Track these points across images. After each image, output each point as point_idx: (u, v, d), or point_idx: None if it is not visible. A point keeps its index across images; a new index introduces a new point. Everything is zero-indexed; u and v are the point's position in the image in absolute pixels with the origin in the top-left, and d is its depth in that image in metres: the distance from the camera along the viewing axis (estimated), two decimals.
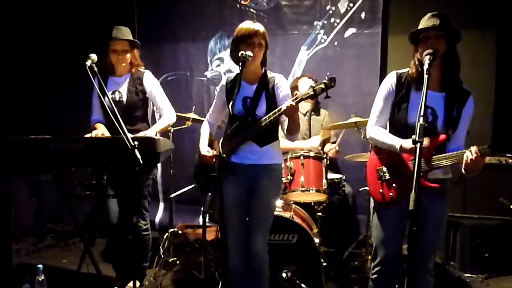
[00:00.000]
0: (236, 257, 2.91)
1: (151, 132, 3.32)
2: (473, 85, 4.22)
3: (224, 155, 2.75)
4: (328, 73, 2.54)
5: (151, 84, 3.48)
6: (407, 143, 2.45)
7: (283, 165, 3.08)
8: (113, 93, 3.39)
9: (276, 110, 2.68)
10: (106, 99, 3.08)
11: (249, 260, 2.89)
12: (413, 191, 1.93)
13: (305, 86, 4.19)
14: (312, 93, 2.52)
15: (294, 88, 4.12)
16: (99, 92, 2.92)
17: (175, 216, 4.71)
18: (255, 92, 2.85)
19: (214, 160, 2.83)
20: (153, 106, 3.58)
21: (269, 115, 2.72)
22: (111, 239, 3.56)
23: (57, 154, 2.76)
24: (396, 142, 2.53)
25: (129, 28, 3.49)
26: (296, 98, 2.57)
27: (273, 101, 2.84)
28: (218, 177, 2.44)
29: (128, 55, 3.42)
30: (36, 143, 2.79)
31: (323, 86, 2.49)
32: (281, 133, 2.93)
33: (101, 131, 3.31)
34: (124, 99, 3.41)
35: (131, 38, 3.44)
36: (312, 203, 3.91)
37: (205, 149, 2.91)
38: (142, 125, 3.44)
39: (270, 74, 2.91)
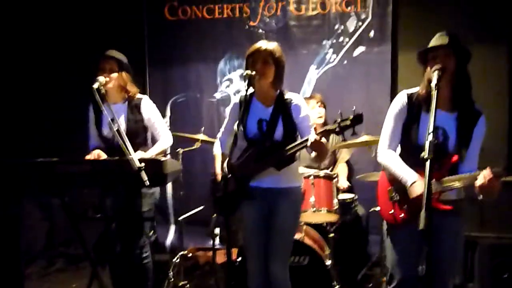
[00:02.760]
0: (256, 281, 2.87)
1: (147, 155, 3.27)
2: (486, 103, 4.15)
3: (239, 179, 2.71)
4: (354, 108, 2.44)
5: (149, 111, 3.41)
6: (418, 186, 2.36)
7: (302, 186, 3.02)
8: (111, 122, 3.02)
9: (301, 141, 2.63)
10: (106, 128, 3.04)
11: (270, 285, 2.83)
12: (423, 209, 1.86)
13: (312, 111, 4.16)
14: (337, 129, 2.44)
15: None
16: (95, 122, 2.88)
17: (187, 238, 4.66)
18: (271, 115, 2.80)
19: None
20: None
21: (293, 145, 2.66)
22: (112, 265, 3.49)
23: (63, 176, 2.75)
24: (408, 177, 2.44)
25: (139, 50, 3.47)
26: (321, 133, 2.51)
27: (291, 123, 2.79)
28: (224, 199, 2.40)
29: (115, 75, 3.30)
30: (43, 166, 2.79)
31: (348, 123, 2.41)
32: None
33: (96, 152, 3.24)
34: (124, 128, 3.25)
35: (120, 57, 3.35)
36: (324, 224, 3.84)
37: (220, 170, 2.87)
38: (143, 150, 3.38)
39: (286, 95, 2.85)
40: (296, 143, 2.66)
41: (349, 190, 4.21)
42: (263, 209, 2.85)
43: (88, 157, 3.22)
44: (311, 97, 4.35)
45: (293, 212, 2.90)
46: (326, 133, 2.51)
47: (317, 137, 2.49)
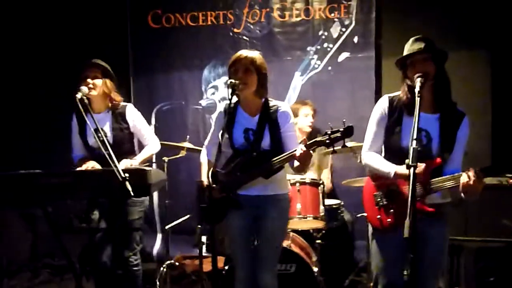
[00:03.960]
0: None
1: (135, 162, 3.26)
2: (469, 106, 4.18)
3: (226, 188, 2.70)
4: (344, 120, 2.46)
5: (134, 118, 3.39)
6: (401, 170, 2.40)
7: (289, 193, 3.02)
8: (96, 131, 2.97)
9: (289, 153, 2.62)
10: (91, 138, 3.02)
11: None
12: (407, 218, 1.87)
13: (305, 119, 4.16)
14: (328, 142, 2.45)
15: (294, 115, 4.08)
16: (80, 132, 2.85)
17: (174, 247, 4.64)
18: (258, 124, 2.79)
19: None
20: None
21: (280, 158, 2.65)
22: (100, 275, 3.45)
23: (46, 188, 2.70)
24: (390, 169, 2.49)
25: (123, 58, 3.46)
26: (310, 145, 2.50)
27: (277, 131, 2.78)
28: (210, 207, 2.39)
29: (100, 82, 3.27)
30: (25, 178, 2.74)
31: (339, 135, 2.42)
32: None
33: (91, 164, 3.23)
34: (110, 137, 3.27)
35: (104, 65, 3.33)
36: (311, 231, 3.84)
37: (206, 178, 2.85)
38: (131, 158, 3.37)
39: (272, 103, 2.84)
40: (284, 155, 2.65)
41: (332, 194, 4.22)
42: (251, 217, 2.84)
43: (82, 168, 3.19)
44: (304, 103, 4.32)
45: (282, 219, 2.89)
46: (315, 145, 2.51)
47: (305, 149, 2.49)
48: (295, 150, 2.55)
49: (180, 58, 5.14)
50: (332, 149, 2.52)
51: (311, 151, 2.52)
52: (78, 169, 3.18)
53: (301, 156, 2.51)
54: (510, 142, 4.43)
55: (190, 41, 5.11)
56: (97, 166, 3.19)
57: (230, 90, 2.59)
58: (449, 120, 2.49)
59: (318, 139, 2.49)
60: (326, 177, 4.34)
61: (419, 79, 2.34)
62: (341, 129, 2.42)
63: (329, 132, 2.45)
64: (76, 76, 3.28)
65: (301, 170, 2.75)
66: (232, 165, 2.80)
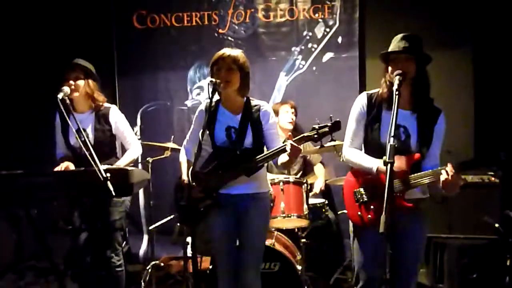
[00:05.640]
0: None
1: (114, 166, 3.23)
2: (452, 103, 4.26)
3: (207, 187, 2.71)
4: (331, 115, 2.51)
5: (117, 120, 3.38)
6: (383, 165, 2.42)
7: (271, 191, 3.01)
8: (78, 132, 3.01)
9: (277, 148, 2.62)
10: (73, 138, 3.01)
11: None
12: (383, 213, 1.89)
13: (285, 115, 4.20)
14: (316, 136, 2.47)
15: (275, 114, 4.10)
16: (62, 131, 2.84)
17: (161, 248, 4.63)
18: (240, 123, 2.79)
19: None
20: None
21: (266, 154, 2.66)
22: (83, 276, 3.44)
23: (27, 189, 2.69)
24: (373, 164, 2.51)
25: (108, 59, 3.44)
26: (298, 140, 2.51)
27: (259, 130, 2.79)
28: (188, 207, 2.40)
29: (82, 83, 3.27)
30: (6, 178, 2.72)
31: (327, 130, 2.44)
32: None
33: (65, 165, 3.20)
34: (92, 138, 3.27)
35: (86, 65, 3.32)
36: (296, 229, 3.85)
37: (186, 177, 2.83)
38: (111, 160, 3.35)
39: (253, 102, 2.86)
40: (271, 151, 2.65)
41: (324, 192, 4.25)
42: (232, 216, 2.84)
43: (57, 169, 3.17)
44: (284, 102, 4.39)
45: (263, 217, 2.90)
46: (303, 140, 2.52)
47: (295, 144, 2.49)
48: (284, 145, 2.55)
49: (165, 59, 5.13)
50: (320, 145, 2.53)
51: (300, 147, 2.53)
52: (55, 169, 3.16)
53: (291, 150, 2.51)
54: (492, 138, 4.48)
55: (175, 42, 5.11)
56: (72, 167, 3.18)
57: (211, 89, 2.59)
58: (426, 117, 2.53)
59: (306, 134, 2.51)
60: (319, 173, 4.37)
61: (397, 77, 2.36)
62: (329, 124, 2.45)
63: (316, 127, 2.47)
64: (59, 76, 3.27)
65: (286, 167, 2.75)
66: (214, 163, 2.80)
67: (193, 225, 2.60)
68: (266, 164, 2.90)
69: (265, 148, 2.79)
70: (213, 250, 2.95)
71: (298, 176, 4.20)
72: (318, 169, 4.44)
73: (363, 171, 2.60)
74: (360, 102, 2.63)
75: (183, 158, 3.00)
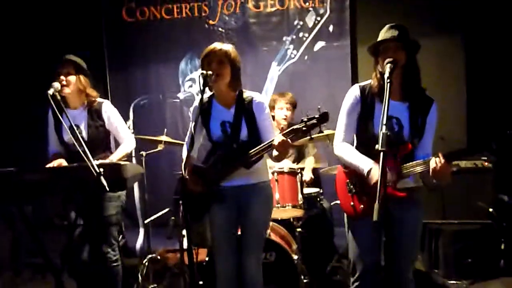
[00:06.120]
0: (226, 282, 2.86)
1: (107, 161, 3.22)
2: (444, 91, 4.26)
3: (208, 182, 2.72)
4: (319, 107, 2.50)
5: (110, 115, 3.36)
6: (375, 171, 2.39)
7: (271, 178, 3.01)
8: (71, 128, 3.01)
9: (266, 144, 2.62)
10: (66, 135, 3.00)
11: (242, 282, 2.83)
12: (377, 201, 1.90)
13: (279, 112, 4.14)
14: (304, 129, 2.46)
15: (271, 108, 4.07)
16: (55, 127, 2.82)
17: (157, 241, 4.63)
18: (234, 116, 2.79)
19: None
20: None
21: (257, 149, 2.65)
22: (80, 272, 3.44)
23: (20, 186, 2.68)
24: (364, 166, 2.47)
25: (98, 54, 3.42)
26: (287, 133, 2.51)
27: (254, 122, 2.78)
28: (181, 200, 2.40)
29: (73, 78, 3.24)
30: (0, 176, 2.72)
31: (315, 122, 2.43)
32: None
33: (57, 162, 3.18)
34: (85, 134, 3.26)
35: (77, 61, 3.29)
36: (291, 219, 3.86)
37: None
38: (104, 155, 3.34)
39: (246, 94, 2.84)
40: (260, 146, 2.65)
41: (314, 183, 4.24)
42: (234, 208, 2.85)
43: (49, 165, 3.15)
44: (283, 95, 4.23)
45: (266, 206, 2.91)
46: (292, 133, 2.52)
47: (283, 138, 2.49)
48: (272, 140, 2.56)
49: (156, 51, 5.12)
50: (309, 136, 2.53)
51: (289, 140, 2.52)
52: (47, 166, 3.14)
53: (279, 145, 2.51)
54: (485, 125, 4.50)
55: (165, 34, 5.09)
56: (64, 164, 3.17)
57: (202, 81, 2.58)
58: (418, 107, 2.52)
59: (295, 127, 2.50)
60: (309, 166, 4.35)
61: (388, 65, 2.36)
62: (317, 116, 2.44)
63: (305, 120, 2.46)
64: (50, 72, 3.24)
65: (280, 159, 2.75)
66: (213, 158, 2.82)
67: (196, 220, 2.59)
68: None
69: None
70: (214, 243, 2.94)
71: (293, 163, 4.17)
72: (308, 161, 4.40)
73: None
74: (353, 94, 2.61)
75: (184, 154, 2.99)
